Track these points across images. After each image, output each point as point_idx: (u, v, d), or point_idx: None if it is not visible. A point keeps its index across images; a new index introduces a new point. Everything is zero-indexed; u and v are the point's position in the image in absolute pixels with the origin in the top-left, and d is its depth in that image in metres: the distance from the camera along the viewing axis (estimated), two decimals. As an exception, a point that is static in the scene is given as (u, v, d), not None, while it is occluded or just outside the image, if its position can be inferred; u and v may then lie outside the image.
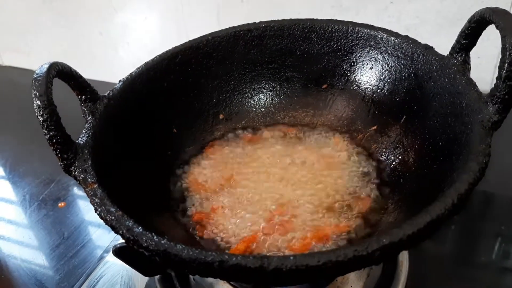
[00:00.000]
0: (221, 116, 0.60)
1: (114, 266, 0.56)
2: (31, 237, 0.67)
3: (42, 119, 0.38)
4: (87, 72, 1.02)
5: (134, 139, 0.49)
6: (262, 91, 0.61)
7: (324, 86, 0.59)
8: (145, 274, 0.48)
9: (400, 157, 0.49)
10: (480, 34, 0.43)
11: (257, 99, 0.61)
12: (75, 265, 0.61)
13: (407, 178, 0.47)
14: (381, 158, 0.52)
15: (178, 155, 0.55)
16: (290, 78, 0.60)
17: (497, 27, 0.37)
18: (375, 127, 0.53)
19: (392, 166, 0.50)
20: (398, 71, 0.51)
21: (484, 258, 0.53)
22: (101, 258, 0.59)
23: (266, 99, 0.61)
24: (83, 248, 0.64)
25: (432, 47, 0.48)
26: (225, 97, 0.60)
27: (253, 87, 0.61)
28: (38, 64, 0.41)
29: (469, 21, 0.42)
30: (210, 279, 0.49)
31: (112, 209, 0.35)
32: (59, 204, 0.72)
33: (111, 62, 1.05)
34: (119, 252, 0.44)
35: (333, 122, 0.58)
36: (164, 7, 0.92)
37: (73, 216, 0.70)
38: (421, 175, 0.45)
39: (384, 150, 0.52)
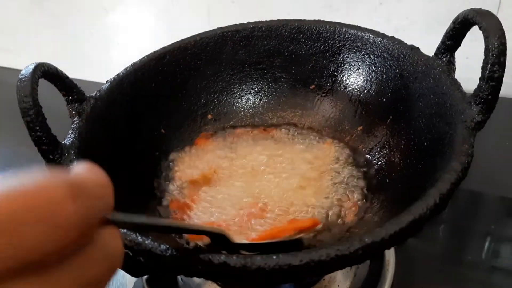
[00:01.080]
0: (209, 117, 0.60)
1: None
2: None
3: (27, 120, 0.38)
4: (78, 72, 1.02)
5: (121, 140, 0.49)
6: (250, 91, 0.61)
7: (312, 86, 0.59)
8: (132, 274, 0.48)
9: (386, 157, 0.50)
10: (465, 35, 0.43)
11: (245, 99, 0.61)
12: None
13: (393, 178, 0.47)
14: (367, 158, 0.52)
15: (166, 156, 0.55)
16: (278, 78, 0.60)
17: (480, 28, 0.38)
18: (361, 127, 0.54)
19: (378, 166, 0.50)
20: (384, 71, 0.51)
21: (472, 257, 0.54)
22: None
23: (255, 99, 0.61)
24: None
25: (418, 48, 0.48)
26: (213, 97, 0.60)
27: (241, 87, 0.61)
28: (29, 63, 0.41)
29: (454, 22, 0.43)
30: (197, 279, 0.49)
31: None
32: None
33: (102, 62, 1.05)
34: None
35: (321, 123, 0.58)
36: (155, 8, 0.92)
37: None
38: (406, 175, 0.45)
39: (371, 150, 0.52)
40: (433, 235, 0.57)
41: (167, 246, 0.32)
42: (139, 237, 0.33)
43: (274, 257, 0.30)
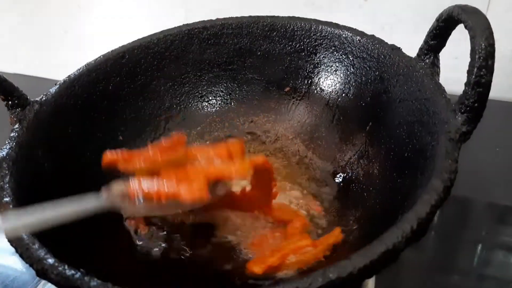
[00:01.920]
0: (174, 122, 0.55)
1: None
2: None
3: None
4: (53, 72, 0.98)
5: (70, 149, 0.44)
6: (220, 94, 0.57)
7: (287, 89, 0.55)
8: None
9: (364, 169, 0.46)
10: (449, 34, 0.40)
11: (214, 102, 0.57)
12: (26, 280, 0.56)
13: (371, 192, 0.43)
14: (345, 169, 0.48)
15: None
16: (250, 80, 0.56)
17: (466, 27, 0.34)
18: (338, 134, 0.49)
19: (355, 178, 0.46)
20: (363, 73, 0.48)
21: (462, 265, 0.51)
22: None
23: (224, 103, 0.57)
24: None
25: (399, 48, 0.45)
26: (179, 101, 0.55)
27: (210, 89, 0.56)
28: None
29: (437, 19, 0.39)
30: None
31: (24, 236, 0.31)
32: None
33: (77, 62, 1.00)
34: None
35: (296, 129, 0.54)
36: (132, 4, 0.88)
37: None
38: (384, 190, 0.41)
39: (349, 160, 0.48)
40: (421, 243, 0.53)
41: (98, 282, 0.27)
42: (67, 271, 0.28)
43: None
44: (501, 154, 0.64)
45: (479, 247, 0.52)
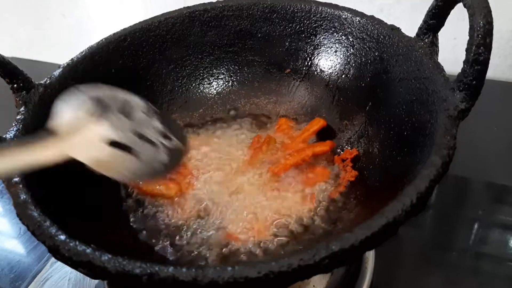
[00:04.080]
0: (176, 105, 0.56)
1: (62, 268, 0.52)
2: (-14, 232, 0.63)
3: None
4: (53, 56, 0.97)
5: (75, 132, 0.45)
6: (221, 76, 0.57)
7: (287, 70, 0.55)
8: (92, 277, 0.45)
9: (364, 147, 0.46)
10: (448, 14, 0.40)
11: (215, 85, 0.57)
12: (31, 262, 0.57)
13: (371, 171, 0.44)
14: (345, 148, 0.49)
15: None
16: (251, 62, 0.56)
17: (464, 5, 0.34)
18: (339, 114, 0.50)
19: (356, 156, 0.47)
20: (363, 54, 0.48)
21: (460, 243, 0.52)
22: (49, 258, 0.55)
23: (226, 85, 0.57)
24: (39, 244, 0.59)
25: (399, 28, 0.45)
26: (180, 83, 0.56)
27: (211, 72, 0.57)
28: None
29: (436, -1, 0.39)
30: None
31: (35, 214, 0.32)
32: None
33: (77, 45, 1.00)
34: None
35: (297, 110, 0.55)
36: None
37: None
38: (384, 168, 0.42)
39: (349, 139, 0.49)
40: (419, 222, 0.54)
41: (109, 257, 0.28)
42: (79, 246, 0.29)
43: (229, 268, 0.26)
44: (499, 133, 0.65)
45: (476, 225, 0.53)
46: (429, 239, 0.53)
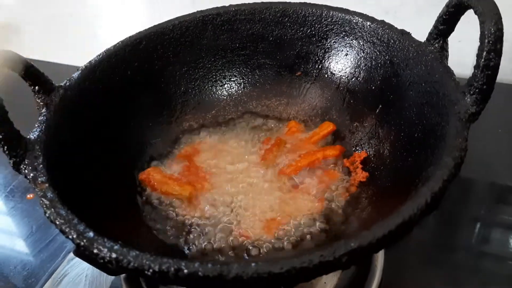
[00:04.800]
0: (189, 106, 0.57)
1: (79, 264, 0.53)
2: (-2, 230, 0.64)
3: (-16, 113, 0.35)
4: (58, 56, 0.98)
5: (94, 132, 0.46)
6: (233, 78, 0.58)
7: (298, 73, 0.56)
8: (109, 273, 0.46)
9: (375, 149, 0.47)
10: (459, 20, 0.41)
11: (228, 87, 0.58)
12: (43, 259, 0.58)
13: (382, 171, 0.45)
14: (355, 149, 0.50)
15: (143, 148, 0.52)
16: (263, 65, 0.57)
17: (475, 12, 0.35)
18: (349, 116, 0.51)
19: (366, 158, 0.48)
20: (373, 58, 0.49)
21: (463, 242, 0.53)
22: (66, 255, 0.56)
23: (238, 87, 0.58)
24: (52, 241, 0.61)
25: (409, 32, 0.46)
26: (194, 85, 0.57)
27: (223, 74, 0.58)
28: (7, 49, 0.38)
29: (447, 5, 0.40)
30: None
31: (62, 212, 0.33)
32: (28, 196, 0.69)
33: (83, 45, 1.01)
34: (79, 252, 0.41)
35: (307, 112, 0.56)
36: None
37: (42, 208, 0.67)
38: (395, 168, 0.43)
39: (359, 141, 0.50)
40: (422, 222, 0.55)
41: (137, 253, 0.29)
42: (107, 243, 0.30)
43: (253, 264, 0.28)
44: (503, 135, 0.66)
45: (479, 225, 0.54)
46: (433, 238, 0.54)
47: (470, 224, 0.55)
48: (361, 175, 0.47)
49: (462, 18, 0.41)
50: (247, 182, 0.49)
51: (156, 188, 0.48)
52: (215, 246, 0.43)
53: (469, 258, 0.51)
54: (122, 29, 0.93)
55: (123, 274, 0.50)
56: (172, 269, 0.28)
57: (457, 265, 0.50)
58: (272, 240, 0.43)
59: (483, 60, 0.34)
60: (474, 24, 0.42)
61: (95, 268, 0.45)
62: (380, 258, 0.48)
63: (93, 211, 0.38)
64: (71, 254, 0.55)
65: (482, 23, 0.34)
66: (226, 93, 0.58)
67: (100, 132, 0.47)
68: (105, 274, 0.48)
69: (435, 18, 0.43)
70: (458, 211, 0.56)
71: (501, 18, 0.34)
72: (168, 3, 0.86)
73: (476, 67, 0.35)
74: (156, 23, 0.55)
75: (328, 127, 0.52)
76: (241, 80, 0.58)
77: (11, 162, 0.37)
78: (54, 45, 1.03)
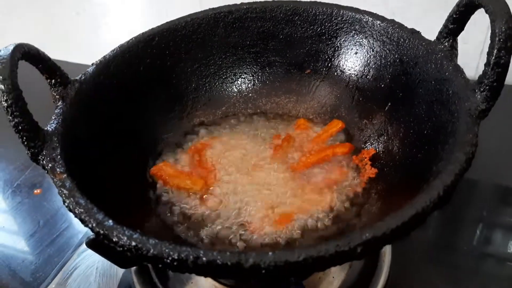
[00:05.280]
0: (200, 102, 0.57)
1: (89, 257, 0.54)
2: (5, 225, 0.64)
3: (6, 104, 0.36)
4: (65, 53, 0.99)
5: (108, 126, 0.47)
6: (243, 75, 0.59)
7: (308, 71, 0.57)
8: (120, 266, 0.46)
9: (384, 145, 0.48)
10: (469, 19, 0.42)
11: (238, 84, 0.59)
12: (51, 254, 0.59)
13: (391, 167, 0.46)
14: (364, 146, 0.50)
15: (155, 143, 0.52)
16: (273, 62, 0.58)
17: (486, 11, 0.36)
18: (358, 114, 0.52)
19: (376, 154, 0.49)
20: (383, 56, 0.50)
21: (467, 244, 0.53)
22: (76, 248, 0.57)
23: (248, 84, 0.59)
24: (59, 236, 0.61)
25: (419, 31, 0.46)
26: (204, 81, 0.57)
27: (234, 71, 0.58)
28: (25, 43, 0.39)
29: (457, 5, 0.41)
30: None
31: (82, 201, 0.33)
32: (35, 191, 0.69)
33: (90, 43, 1.02)
34: (92, 243, 0.42)
35: (316, 109, 0.56)
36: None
37: (49, 203, 0.67)
38: (405, 165, 0.43)
39: (368, 137, 0.51)
40: (428, 222, 0.56)
41: (156, 241, 0.30)
42: (127, 231, 0.31)
43: (270, 253, 0.28)
44: (507, 137, 0.66)
45: (481, 226, 0.55)
46: (437, 237, 0.55)
47: (473, 224, 0.55)
48: (370, 172, 0.47)
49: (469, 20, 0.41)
50: (257, 177, 0.50)
51: (167, 182, 0.49)
52: (226, 240, 0.44)
53: (472, 258, 0.52)
54: (129, 28, 0.94)
55: (134, 267, 0.50)
56: (191, 257, 0.29)
57: (459, 264, 0.51)
58: (282, 235, 0.44)
59: (493, 57, 0.35)
60: (480, 26, 0.42)
61: (105, 261, 0.46)
62: (387, 254, 0.49)
63: (106, 204, 0.38)
64: (82, 247, 0.56)
65: (492, 22, 0.35)
66: (236, 90, 0.59)
67: (113, 126, 0.47)
68: (115, 267, 0.49)
69: (440, 19, 0.43)
70: (462, 211, 0.57)
71: (511, 17, 0.35)
72: (176, 1, 0.87)
73: (486, 64, 0.36)
74: (161, 21, 0.55)
75: (337, 125, 0.53)
76: (251, 78, 0.59)
77: (30, 153, 0.38)
78: (60, 42, 1.04)
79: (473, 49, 0.72)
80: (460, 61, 0.43)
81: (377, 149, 0.49)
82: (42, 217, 0.64)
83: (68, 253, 0.57)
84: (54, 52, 1.00)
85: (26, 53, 0.39)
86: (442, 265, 0.51)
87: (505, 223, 0.56)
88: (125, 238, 0.30)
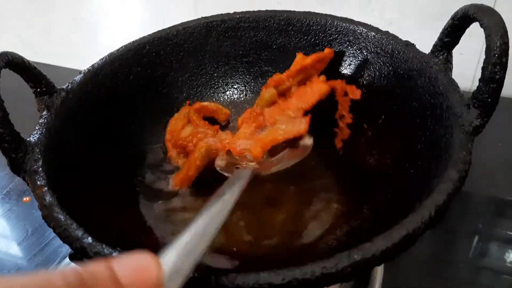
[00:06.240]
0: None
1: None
2: (-6, 233, 0.63)
3: (-15, 114, 0.35)
4: (61, 59, 0.98)
5: (94, 137, 0.46)
6: (235, 86, 0.58)
7: (300, 82, 0.56)
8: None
9: (376, 159, 0.47)
10: (463, 32, 0.41)
11: (230, 94, 0.58)
12: (38, 263, 0.57)
13: (383, 182, 0.44)
14: (356, 160, 0.50)
15: (144, 154, 0.51)
16: (266, 73, 0.57)
17: (481, 26, 0.35)
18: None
19: (367, 168, 0.48)
20: (377, 68, 0.49)
21: (460, 256, 0.52)
22: (64, 258, 0.55)
23: (240, 94, 0.58)
24: (47, 246, 0.60)
25: (413, 44, 0.46)
26: (196, 91, 0.57)
27: (226, 81, 0.58)
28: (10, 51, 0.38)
29: (452, 18, 0.40)
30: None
31: (61, 216, 0.32)
32: (24, 199, 0.68)
33: (86, 49, 1.01)
34: (74, 257, 0.41)
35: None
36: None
37: (38, 211, 0.65)
38: (397, 180, 0.42)
39: (360, 151, 0.50)
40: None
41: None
42: (105, 249, 0.30)
43: (253, 275, 0.27)
44: (503, 149, 0.66)
45: (476, 239, 0.54)
46: (431, 251, 0.54)
47: (469, 237, 0.54)
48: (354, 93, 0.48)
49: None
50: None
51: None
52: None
53: (467, 271, 0.51)
54: (125, 34, 0.93)
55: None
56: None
57: (455, 277, 0.50)
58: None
59: (488, 73, 0.34)
60: (476, 37, 0.42)
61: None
62: (379, 270, 0.48)
63: (92, 216, 0.37)
64: (67, 259, 0.55)
65: (488, 36, 0.34)
66: (228, 100, 0.58)
67: (101, 136, 0.46)
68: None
69: (436, 30, 0.43)
70: (457, 224, 0.56)
71: (507, 32, 0.34)
72: (171, 8, 0.86)
73: (481, 80, 0.35)
74: (158, 28, 0.55)
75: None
76: (243, 88, 0.58)
77: (10, 165, 0.37)
78: (56, 48, 1.03)
79: (469, 60, 0.71)
80: (457, 72, 0.43)
81: (370, 163, 0.48)
82: (31, 225, 0.63)
83: (56, 263, 0.56)
84: (52, 58, 1.00)
85: (9, 62, 0.38)
86: (437, 278, 0.50)
87: (501, 236, 0.55)
88: (103, 256, 0.29)
